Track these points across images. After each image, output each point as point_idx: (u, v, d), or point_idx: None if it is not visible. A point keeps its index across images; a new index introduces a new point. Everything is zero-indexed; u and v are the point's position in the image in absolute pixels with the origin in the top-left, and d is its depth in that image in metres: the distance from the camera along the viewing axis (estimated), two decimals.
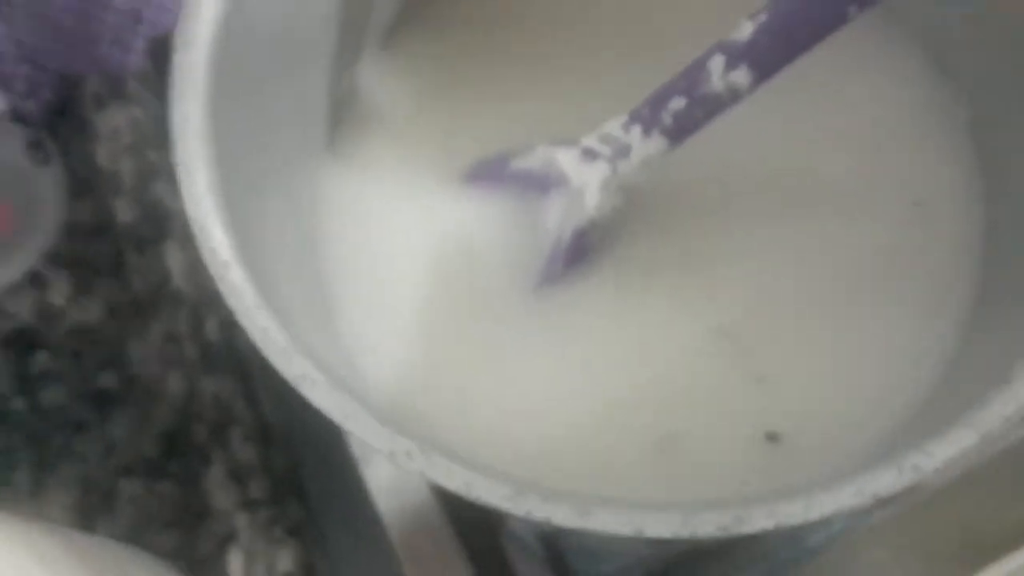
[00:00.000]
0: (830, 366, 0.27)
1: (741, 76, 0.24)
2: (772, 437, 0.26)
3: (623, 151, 0.26)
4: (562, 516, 0.16)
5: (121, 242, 0.35)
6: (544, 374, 0.28)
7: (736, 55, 0.24)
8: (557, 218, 0.28)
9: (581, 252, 0.28)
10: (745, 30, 0.23)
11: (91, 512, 0.34)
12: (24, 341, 0.36)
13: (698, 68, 0.24)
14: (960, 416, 0.19)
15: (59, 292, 0.36)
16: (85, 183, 0.38)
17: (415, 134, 0.30)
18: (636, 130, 0.26)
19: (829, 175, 0.28)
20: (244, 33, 0.23)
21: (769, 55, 0.23)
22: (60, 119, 0.38)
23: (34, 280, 0.36)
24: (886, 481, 0.18)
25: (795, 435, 0.26)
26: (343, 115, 0.31)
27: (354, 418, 0.18)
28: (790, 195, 0.28)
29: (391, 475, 0.34)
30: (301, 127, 0.29)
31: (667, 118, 0.25)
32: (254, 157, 0.24)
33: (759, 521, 0.17)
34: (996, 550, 0.32)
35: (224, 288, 0.20)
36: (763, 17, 0.23)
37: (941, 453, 0.18)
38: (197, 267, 0.35)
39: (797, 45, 0.23)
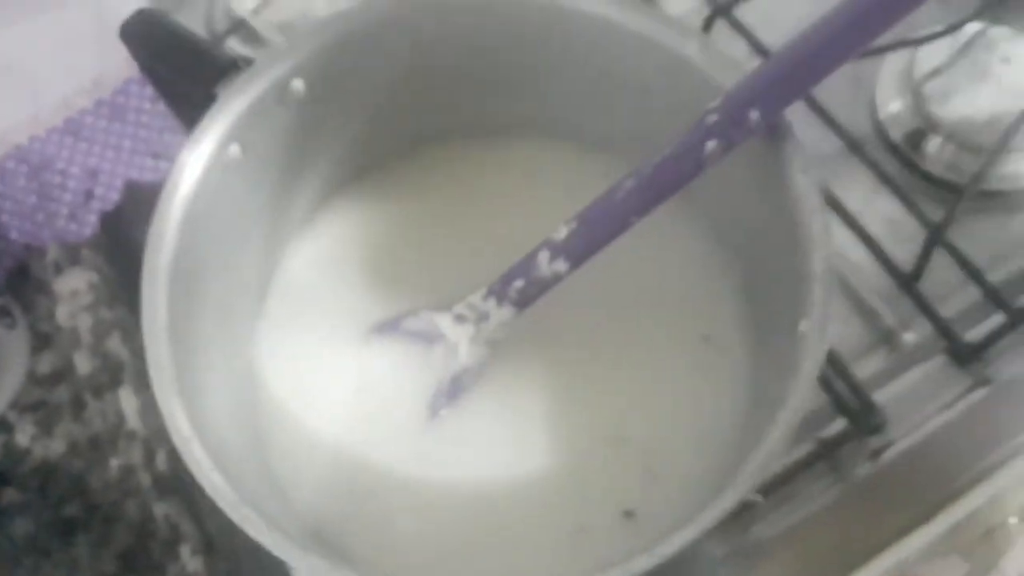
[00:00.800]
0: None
1: (560, 264, 0.32)
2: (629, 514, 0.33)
3: (483, 316, 0.35)
4: None
5: (81, 389, 0.42)
6: (444, 484, 0.35)
7: (556, 250, 0.32)
8: (440, 364, 0.36)
9: (460, 389, 0.36)
10: (562, 232, 0.32)
11: None
12: None
13: (531, 258, 0.33)
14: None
15: (24, 434, 0.42)
16: (46, 338, 0.44)
17: (331, 300, 0.38)
18: (492, 301, 0.35)
19: (638, 319, 0.36)
20: (192, 250, 0.31)
21: (579, 249, 0.32)
22: (23, 283, 0.45)
23: (1, 425, 0.42)
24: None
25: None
26: (273, 285, 0.38)
27: (282, 548, 0.26)
28: (610, 338, 0.36)
29: None
30: (234, 301, 0.36)
31: (512, 293, 0.34)
32: (200, 336, 0.32)
33: None
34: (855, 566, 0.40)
35: (186, 458, 0.27)
36: (573, 223, 0.32)
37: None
38: (148, 408, 0.42)
39: (597, 243, 0.32)
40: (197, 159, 0.31)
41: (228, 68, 0.32)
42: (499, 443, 0.35)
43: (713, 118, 0.29)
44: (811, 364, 0.27)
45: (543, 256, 0.33)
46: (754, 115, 0.29)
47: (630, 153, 0.34)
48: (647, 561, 0.25)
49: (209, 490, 0.26)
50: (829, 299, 0.27)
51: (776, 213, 0.30)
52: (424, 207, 0.39)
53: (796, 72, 0.28)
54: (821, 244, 0.28)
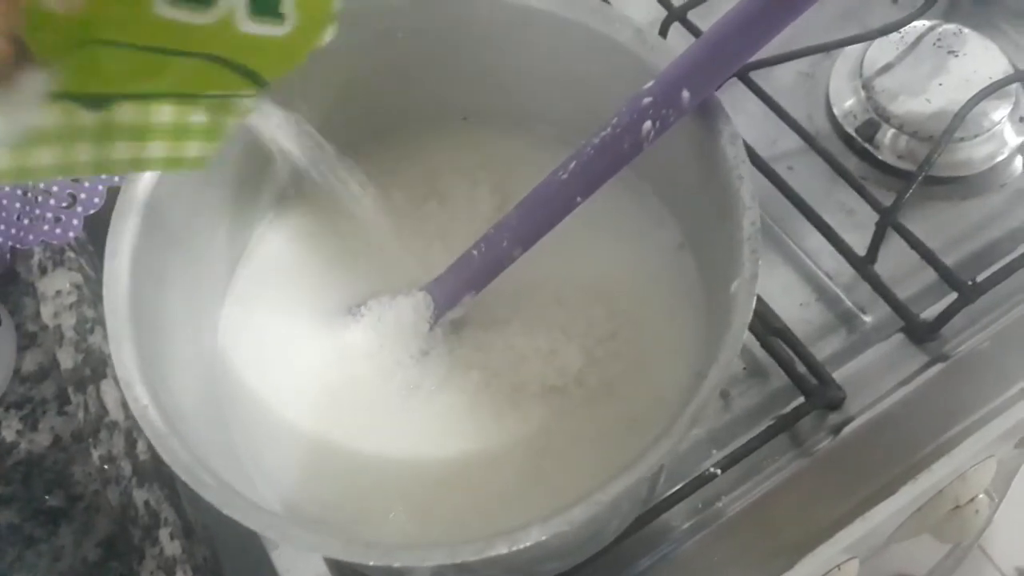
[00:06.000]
0: None
1: (513, 246, 0.34)
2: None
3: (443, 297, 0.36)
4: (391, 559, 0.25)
5: (65, 383, 0.43)
6: (416, 460, 0.36)
7: (508, 233, 0.34)
8: (405, 344, 0.38)
9: (425, 367, 0.37)
10: (512, 216, 0.34)
11: None
12: None
13: (485, 242, 0.35)
14: None
15: (10, 429, 0.44)
16: (31, 337, 0.46)
17: (298, 284, 0.40)
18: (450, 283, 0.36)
19: (592, 283, 0.38)
20: (156, 233, 0.32)
21: (529, 232, 0.34)
22: (10, 286, 0.47)
23: None
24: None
25: None
26: (239, 270, 0.40)
27: (231, 506, 0.27)
28: (567, 302, 0.38)
29: (295, 556, 0.42)
30: (201, 284, 0.38)
31: (470, 275, 0.35)
32: (166, 314, 0.33)
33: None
34: (797, 554, 0.41)
35: (143, 424, 0.28)
36: (523, 208, 0.34)
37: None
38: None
39: (546, 224, 0.34)
40: None
41: None
42: (467, 417, 0.36)
43: (647, 100, 0.31)
44: (740, 320, 0.28)
45: (496, 239, 0.34)
46: (685, 95, 0.30)
47: (579, 138, 0.36)
48: (584, 511, 0.26)
49: (163, 454, 0.28)
50: (756, 259, 0.29)
51: (710, 181, 0.32)
52: (386, 193, 0.41)
53: (721, 52, 0.30)
54: (749, 209, 0.30)
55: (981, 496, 0.49)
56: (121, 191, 0.32)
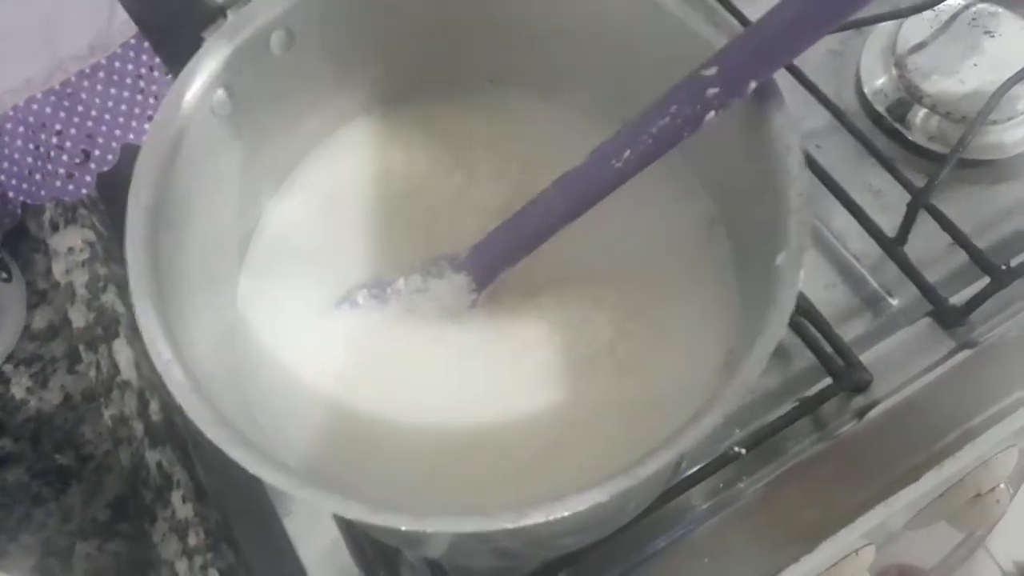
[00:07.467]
0: None
1: (551, 221, 0.33)
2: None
3: (472, 270, 0.35)
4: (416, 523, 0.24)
5: (76, 342, 0.42)
6: (436, 414, 0.35)
7: (547, 207, 0.33)
8: (430, 315, 0.37)
9: (450, 339, 0.36)
10: (553, 190, 0.33)
11: (51, 572, 0.40)
12: None
13: (521, 216, 0.34)
14: None
15: (19, 387, 0.43)
16: (42, 295, 0.45)
17: (315, 251, 0.39)
18: (481, 255, 0.35)
19: (625, 259, 0.37)
20: (175, 190, 0.31)
21: (571, 208, 0.33)
22: (21, 241, 0.45)
23: None
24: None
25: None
26: (258, 233, 0.39)
27: (257, 463, 0.26)
28: (595, 280, 0.37)
29: (308, 523, 0.41)
30: (218, 246, 0.36)
31: (501, 248, 0.34)
32: (184, 273, 0.32)
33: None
34: (816, 538, 0.41)
35: (166, 379, 0.27)
36: (567, 182, 0.33)
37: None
38: (141, 360, 0.42)
39: (589, 202, 0.32)
40: (182, 101, 0.32)
41: (216, 13, 0.33)
42: (493, 385, 0.35)
43: (713, 91, 0.29)
44: (788, 293, 0.27)
45: (537, 212, 0.33)
46: (752, 84, 0.29)
47: (615, 108, 0.34)
48: (624, 482, 0.25)
49: (187, 410, 0.27)
50: (805, 232, 0.28)
51: (752, 152, 0.31)
52: (409, 158, 0.39)
53: (799, 31, 0.28)
54: (796, 179, 0.29)
55: (1002, 486, 0.48)
56: (145, 140, 0.31)
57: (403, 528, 0.25)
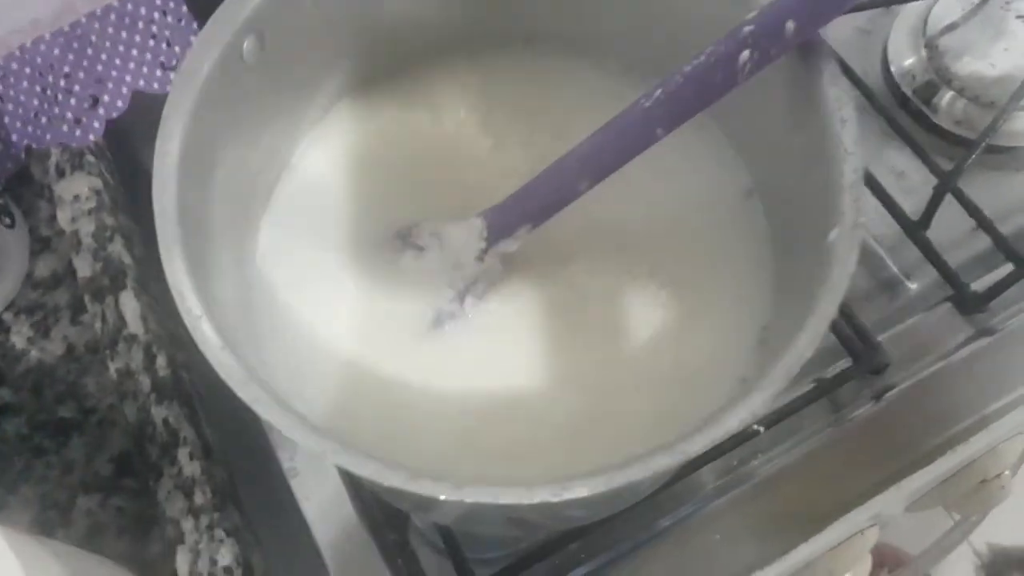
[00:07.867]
0: None
1: (582, 178, 0.32)
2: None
3: (497, 229, 0.34)
4: (444, 491, 0.24)
5: (80, 292, 0.41)
6: (459, 379, 0.34)
7: (578, 163, 0.32)
8: (449, 276, 0.36)
9: (469, 301, 0.36)
10: (585, 145, 0.32)
11: (50, 525, 0.39)
12: None
13: (551, 172, 0.33)
14: None
15: (20, 336, 0.42)
16: (46, 242, 0.43)
17: (338, 205, 0.38)
18: (507, 214, 0.34)
19: (653, 234, 0.36)
20: (202, 139, 0.30)
21: (602, 163, 0.32)
22: (24, 187, 0.44)
23: None
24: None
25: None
26: (280, 186, 0.38)
27: (292, 427, 0.25)
28: (623, 254, 0.36)
29: (314, 484, 0.41)
30: (243, 197, 0.35)
31: (529, 207, 0.33)
32: (210, 226, 0.31)
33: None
34: (827, 518, 0.41)
35: (196, 336, 0.26)
36: (598, 135, 0.31)
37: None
38: (149, 313, 0.41)
39: (621, 157, 0.31)
40: (211, 47, 0.30)
41: None
42: (521, 351, 0.34)
43: (749, 28, 0.28)
44: (842, 271, 0.26)
45: (563, 169, 0.32)
46: (790, 26, 0.28)
47: (653, 72, 0.33)
48: (669, 459, 0.25)
49: (219, 368, 0.26)
50: (859, 208, 0.27)
51: (801, 123, 0.30)
52: (438, 116, 0.38)
53: None
54: (852, 155, 0.28)
55: (1007, 472, 0.49)
56: (172, 86, 0.29)
57: (442, 498, 0.24)
